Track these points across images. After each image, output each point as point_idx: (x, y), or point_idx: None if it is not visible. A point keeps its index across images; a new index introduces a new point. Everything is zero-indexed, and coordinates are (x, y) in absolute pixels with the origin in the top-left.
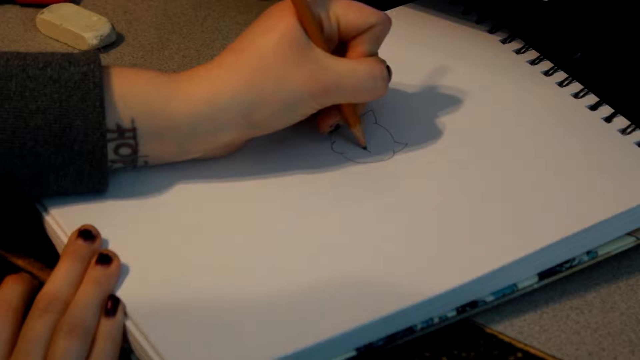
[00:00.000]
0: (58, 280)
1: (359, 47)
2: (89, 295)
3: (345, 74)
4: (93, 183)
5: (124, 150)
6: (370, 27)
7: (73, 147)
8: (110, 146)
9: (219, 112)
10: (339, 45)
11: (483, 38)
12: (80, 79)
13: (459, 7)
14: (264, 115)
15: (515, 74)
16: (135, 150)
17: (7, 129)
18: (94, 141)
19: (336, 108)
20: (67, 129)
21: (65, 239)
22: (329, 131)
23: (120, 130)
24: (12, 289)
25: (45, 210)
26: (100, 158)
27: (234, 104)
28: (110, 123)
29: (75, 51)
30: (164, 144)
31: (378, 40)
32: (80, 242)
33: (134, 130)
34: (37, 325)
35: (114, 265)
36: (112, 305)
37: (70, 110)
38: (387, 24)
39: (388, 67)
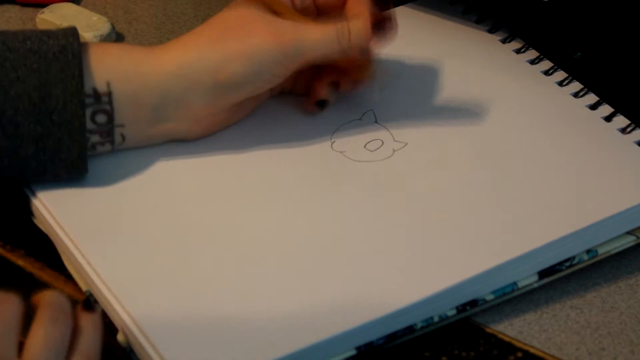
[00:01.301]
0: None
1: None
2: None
3: (308, 27)
4: (72, 160)
5: (101, 118)
6: None
7: (52, 117)
8: (87, 112)
9: (187, 72)
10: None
11: (483, 38)
12: (59, 50)
13: (459, 7)
14: (231, 73)
15: (515, 73)
16: (111, 117)
17: None
18: (72, 110)
19: (326, 82)
20: (47, 97)
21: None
22: (317, 106)
23: (97, 95)
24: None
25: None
26: (78, 128)
27: (201, 63)
28: (87, 88)
29: None
30: (138, 109)
31: None
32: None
33: (109, 94)
34: None
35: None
36: (85, 304)
37: (49, 80)
38: None
39: (384, 19)
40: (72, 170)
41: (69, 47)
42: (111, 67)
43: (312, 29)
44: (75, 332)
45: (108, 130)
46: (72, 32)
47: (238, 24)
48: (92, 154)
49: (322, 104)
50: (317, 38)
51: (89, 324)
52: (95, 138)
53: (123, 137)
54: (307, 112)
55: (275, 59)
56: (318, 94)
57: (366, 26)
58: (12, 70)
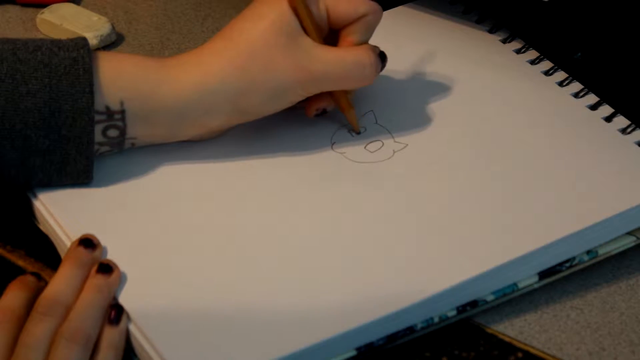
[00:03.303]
0: (59, 284)
1: (349, 36)
2: (90, 303)
3: (333, 63)
4: (78, 172)
5: (112, 132)
6: (360, 17)
7: (61, 131)
8: (99, 128)
9: (207, 98)
10: (331, 34)
11: (483, 38)
12: (70, 64)
13: (459, 7)
14: (251, 102)
15: (515, 74)
16: (123, 132)
17: None
18: (82, 126)
19: (327, 93)
20: (56, 112)
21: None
22: (316, 114)
23: (109, 112)
24: (16, 295)
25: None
26: (86, 143)
27: (222, 90)
28: (99, 105)
29: None
30: (152, 127)
31: (369, 30)
32: (81, 249)
33: (122, 112)
34: (37, 330)
35: (114, 275)
36: (115, 314)
37: (60, 95)
38: (377, 13)
39: (382, 53)
40: (78, 181)
41: (80, 61)
42: (125, 86)
43: (334, 62)
44: (94, 349)
45: (119, 142)
46: (83, 43)
47: (263, 50)
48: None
49: (321, 112)
50: (339, 74)
51: (111, 340)
52: (104, 148)
53: (133, 144)
54: (308, 116)
55: (295, 92)
56: (318, 104)
57: (377, 60)
58: (22, 84)
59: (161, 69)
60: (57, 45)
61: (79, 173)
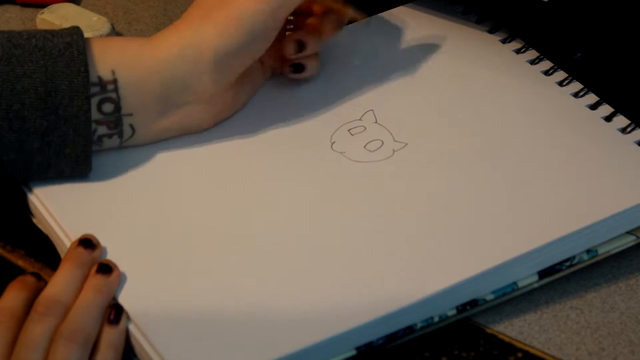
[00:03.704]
0: (58, 284)
1: None
2: (89, 303)
3: None
4: (77, 154)
5: (107, 107)
6: None
7: (58, 111)
8: (94, 101)
9: (186, 52)
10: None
11: (483, 38)
12: (64, 47)
13: (459, 7)
14: (228, 40)
15: (515, 73)
16: (117, 105)
17: None
18: (78, 105)
19: (301, 22)
20: (53, 92)
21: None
22: (297, 52)
23: (102, 83)
24: (16, 296)
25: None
26: (84, 122)
27: (197, 39)
28: (92, 77)
29: None
30: (145, 96)
31: None
32: (81, 249)
33: (114, 82)
34: (36, 330)
35: (114, 275)
36: (115, 314)
37: (55, 75)
38: None
39: None
40: (76, 167)
41: (74, 44)
42: (115, 57)
43: None
44: (93, 349)
45: (115, 120)
46: (76, 30)
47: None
48: (98, 149)
49: (297, 68)
50: None
51: (110, 340)
52: (102, 130)
53: (132, 128)
54: (290, 79)
55: (266, 23)
56: (285, 50)
57: None
58: (18, 66)
59: (144, 41)
60: (50, 33)
61: (77, 156)
